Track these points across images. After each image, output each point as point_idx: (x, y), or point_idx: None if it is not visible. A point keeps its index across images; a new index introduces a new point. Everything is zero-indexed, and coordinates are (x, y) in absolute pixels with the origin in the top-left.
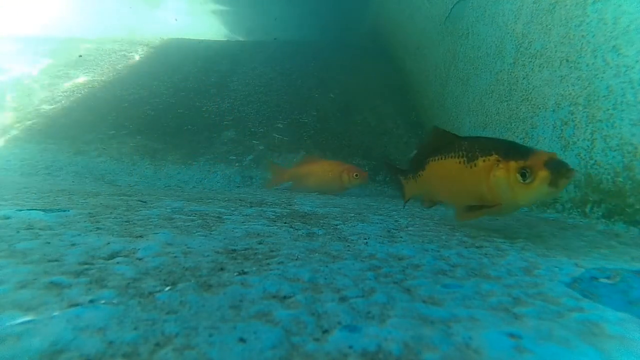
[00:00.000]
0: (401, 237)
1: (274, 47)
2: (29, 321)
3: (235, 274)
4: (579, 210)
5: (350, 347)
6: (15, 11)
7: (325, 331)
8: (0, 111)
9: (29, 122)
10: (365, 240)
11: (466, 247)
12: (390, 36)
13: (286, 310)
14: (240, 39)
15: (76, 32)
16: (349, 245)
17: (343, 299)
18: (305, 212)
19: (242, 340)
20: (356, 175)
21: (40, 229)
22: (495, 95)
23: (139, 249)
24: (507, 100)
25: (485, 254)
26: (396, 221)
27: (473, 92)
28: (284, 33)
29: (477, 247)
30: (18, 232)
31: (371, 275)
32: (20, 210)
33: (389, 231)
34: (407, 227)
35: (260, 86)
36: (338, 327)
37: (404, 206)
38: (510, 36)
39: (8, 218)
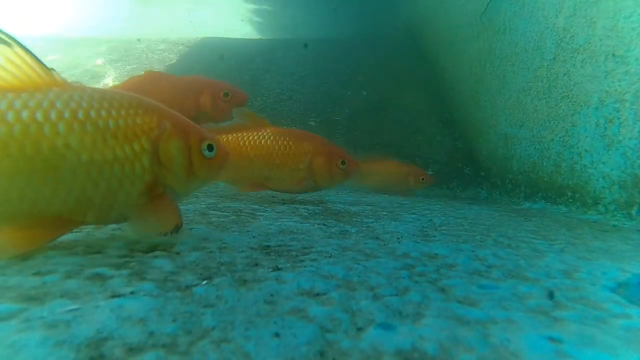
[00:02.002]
0: (435, 237)
1: (308, 45)
2: (76, 309)
3: (269, 269)
4: (623, 212)
5: (385, 345)
6: (35, 11)
7: (360, 329)
8: None
9: None
10: (399, 239)
11: (502, 248)
12: (423, 32)
13: (320, 306)
14: (274, 37)
15: (110, 32)
16: (382, 244)
17: (377, 297)
18: (338, 210)
19: (277, 335)
20: (423, 178)
21: None
22: (534, 92)
23: (176, 244)
24: (545, 98)
25: (522, 255)
26: (430, 220)
27: (510, 90)
28: (317, 31)
29: (513, 248)
30: None
31: (405, 274)
32: None
33: (422, 230)
34: (440, 227)
35: (292, 84)
36: (372, 324)
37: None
38: (551, 31)
39: None
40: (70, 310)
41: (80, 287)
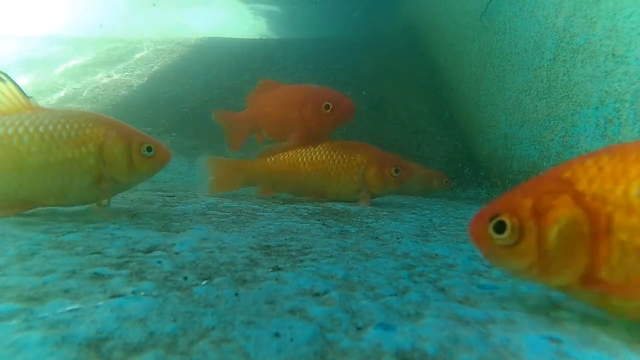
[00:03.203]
0: (435, 236)
1: (307, 46)
2: (76, 309)
3: (269, 269)
4: None
5: (385, 345)
6: (38, 10)
7: (360, 328)
8: None
9: None
10: (399, 239)
11: None
12: (423, 32)
13: (321, 306)
14: (276, 37)
15: (108, 32)
16: (382, 244)
17: (377, 297)
18: (338, 210)
19: (277, 335)
20: (446, 182)
21: (84, 222)
22: (533, 92)
23: (175, 244)
24: (545, 98)
25: None
26: (430, 220)
27: (510, 90)
28: (316, 31)
29: None
30: (64, 224)
31: (405, 274)
32: None
33: (422, 230)
34: (440, 226)
35: (293, 84)
36: (372, 324)
37: None
38: (551, 31)
39: (54, 211)
40: (70, 310)
41: (80, 287)
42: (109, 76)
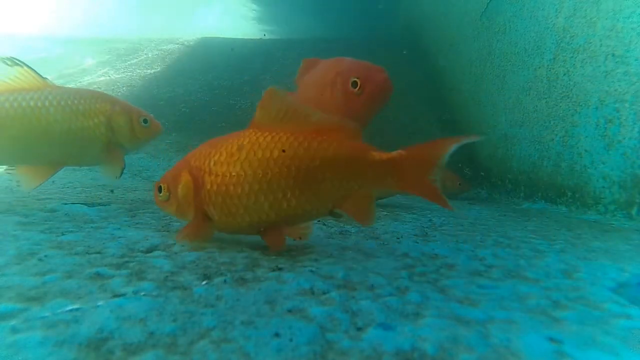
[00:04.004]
0: (435, 236)
1: (306, 45)
2: (76, 309)
3: (269, 269)
4: (623, 212)
5: (385, 345)
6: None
7: (360, 329)
8: None
9: None
10: (399, 239)
11: (502, 248)
12: (423, 32)
13: (321, 306)
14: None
15: (109, 32)
16: (382, 244)
17: (377, 297)
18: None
19: (277, 335)
20: (460, 183)
21: (83, 222)
22: (533, 92)
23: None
24: (545, 98)
25: (522, 255)
26: (430, 220)
27: (510, 89)
28: (316, 30)
29: (513, 248)
30: (63, 224)
31: (405, 274)
32: (65, 204)
33: (422, 230)
34: (441, 227)
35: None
36: (372, 324)
37: None
38: (551, 31)
39: (54, 211)
40: (71, 310)
41: (80, 287)
42: (108, 76)
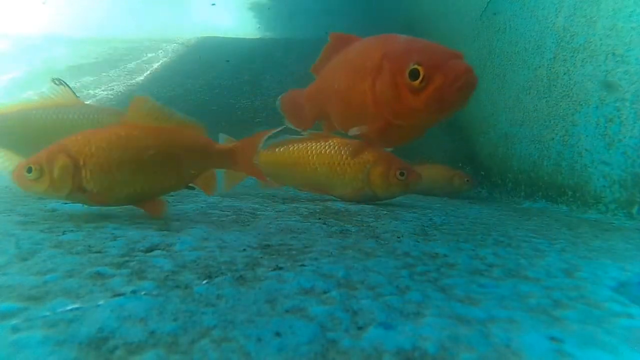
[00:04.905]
0: (435, 236)
1: (306, 45)
2: (77, 308)
3: (270, 269)
4: (624, 211)
5: (386, 344)
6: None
7: (360, 328)
8: None
9: None
10: (399, 238)
11: (503, 247)
12: (424, 30)
13: (321, 306)
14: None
15: (107, 32)
16: (382, 243)
17: (378, 296)
18: (338, 209)
19: (278, 334)
20: (467, 180)
21: (84, 221)
22: (534, 91)
23: (176, 243)
24: (546, 97)
25: (523, 255)
26: (430, 219)
27: (510, 89)
28: (315, 30)
29: (513, 247)
30: (64, 223)
31: (405, 273)
32: (65, 203)
33: (422, 229)
34: (441, 226)
35: (292, 83)
36: (373, 324)
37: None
38: (551, 30)
39: (54, 211)
40: (71, 310)
41: (81, 286)
42: (108, 75)
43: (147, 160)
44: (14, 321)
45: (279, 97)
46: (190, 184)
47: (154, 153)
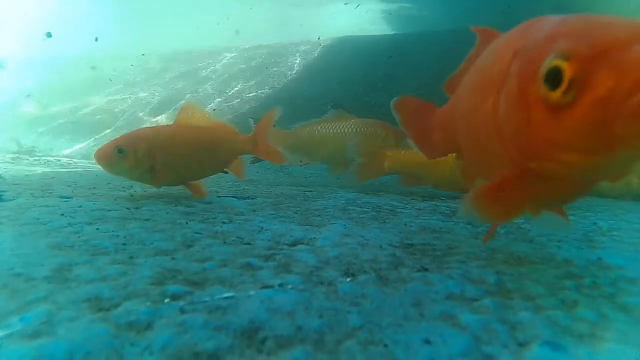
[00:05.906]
0: (603, 243)
1: (443, 39)
2: (231, 297)
3: (414, 269)
4: None
5: None
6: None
7: (521, 344)
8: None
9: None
10: (558, 243)
11: None
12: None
13: (473, 314)
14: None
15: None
16: (537, 247)
17: (538, 309)
18: None
19: (427, 342)
20: None
21: (234, 214)
22: None
23: (318, 238)
24: None
25: None
26: (594, 223)
27: None
28: (443, 23)
29: None
30: (218, 215)
31: (571, 285)
32: (219, 196)
33: (585, 234)
34: (609, 231)
35: (429, 78)
36: (536, 341)
37: None
38: None
39: (211, 203)
40: (226, 298)
41: (234, 276)
42: (261, 78)
43: (195, 149)
44: (181, 302)
45: (393, 100)
46: (225, 169)
47: (199, 144)
